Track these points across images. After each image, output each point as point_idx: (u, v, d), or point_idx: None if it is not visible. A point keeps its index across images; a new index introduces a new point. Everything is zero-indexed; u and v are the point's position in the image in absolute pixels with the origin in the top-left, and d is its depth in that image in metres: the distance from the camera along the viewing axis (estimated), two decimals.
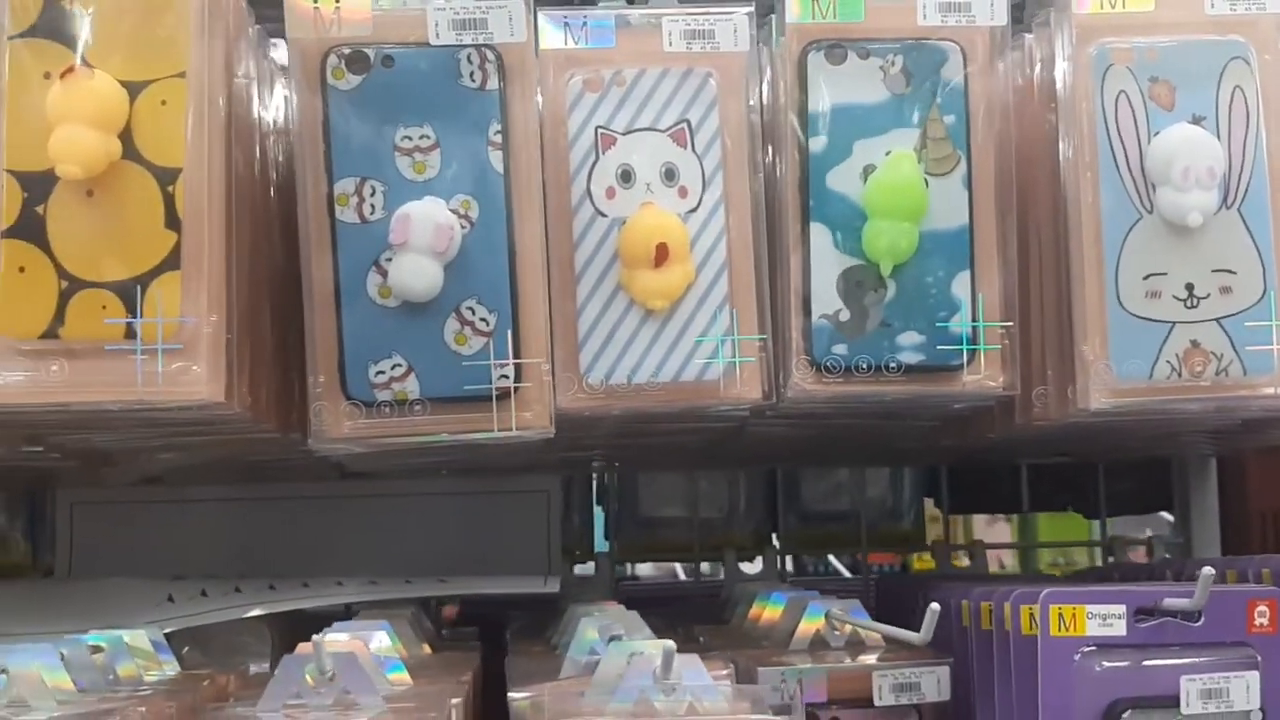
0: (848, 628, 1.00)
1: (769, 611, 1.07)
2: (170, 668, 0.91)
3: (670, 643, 0.77)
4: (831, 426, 1.02)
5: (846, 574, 1.50)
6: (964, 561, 1.34)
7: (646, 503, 1.28)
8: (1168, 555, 1.33)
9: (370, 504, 1.21)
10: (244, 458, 1.01)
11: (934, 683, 0.94)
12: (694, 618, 1.15)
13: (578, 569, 1.28)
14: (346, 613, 1.23)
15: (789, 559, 1.37)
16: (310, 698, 0.77)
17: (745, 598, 1.13)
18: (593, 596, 1.08)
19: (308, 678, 0.77)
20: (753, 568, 1.29)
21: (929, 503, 1.35)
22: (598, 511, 1.29)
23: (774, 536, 1.29)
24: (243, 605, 0.98)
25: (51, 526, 1.20)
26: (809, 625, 0.99)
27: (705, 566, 1.66)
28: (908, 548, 1.31)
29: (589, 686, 0.82)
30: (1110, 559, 1.32)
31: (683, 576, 1.67)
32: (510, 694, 0.84)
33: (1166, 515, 1.52)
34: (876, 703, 0.93)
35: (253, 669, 1.00)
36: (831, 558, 1.55)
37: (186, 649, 1.00)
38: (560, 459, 1.17)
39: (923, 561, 1.65)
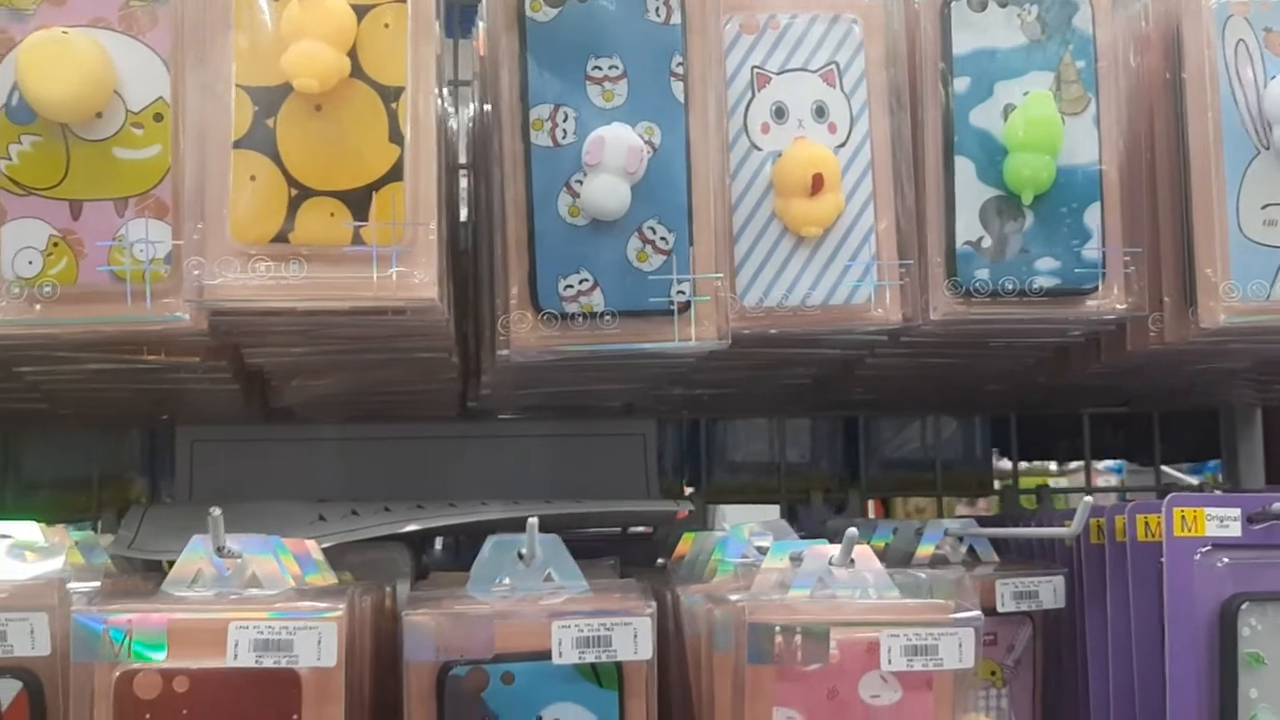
0: (963, 548, 1.08)
1: (873, 545, 1.14)
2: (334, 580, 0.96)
3: (853, 529, 0.83)
4: (938, 361, 1.09)
5: None
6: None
7: (733, 448, 1.34)
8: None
9: (481, 444, 1.26)
10: (388, 383, 1.06)
11: (1050, 591, 1.01)
12: None
13: None
14: (457, 554, 1.28)
15: None
16: (516, 580, 0.82)
17: (841, 534, 1.19)
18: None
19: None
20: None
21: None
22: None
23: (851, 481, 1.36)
24: (395, 522, 1.03)
25: (171, 464, 1.24)
26: (925, 550, 1.06)
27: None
28: (978, 492, 1.39)
29: (753, 585, 0.88)
30: None
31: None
32: (680, 592, 0.90)
33: (1167, 469, 1.60)
34: (999, 609, 1.01)
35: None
36: None
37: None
38: (655, 400, 1.23)
39: None
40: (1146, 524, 0.95)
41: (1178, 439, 1.41)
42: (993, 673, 1.02)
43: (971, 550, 1.06)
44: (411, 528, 1.03)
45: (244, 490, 1.21)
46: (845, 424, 1.36)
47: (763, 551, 0.93)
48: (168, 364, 0.92)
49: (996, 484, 1.41)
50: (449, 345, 0.94)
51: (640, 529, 1.32)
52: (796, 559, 0.88)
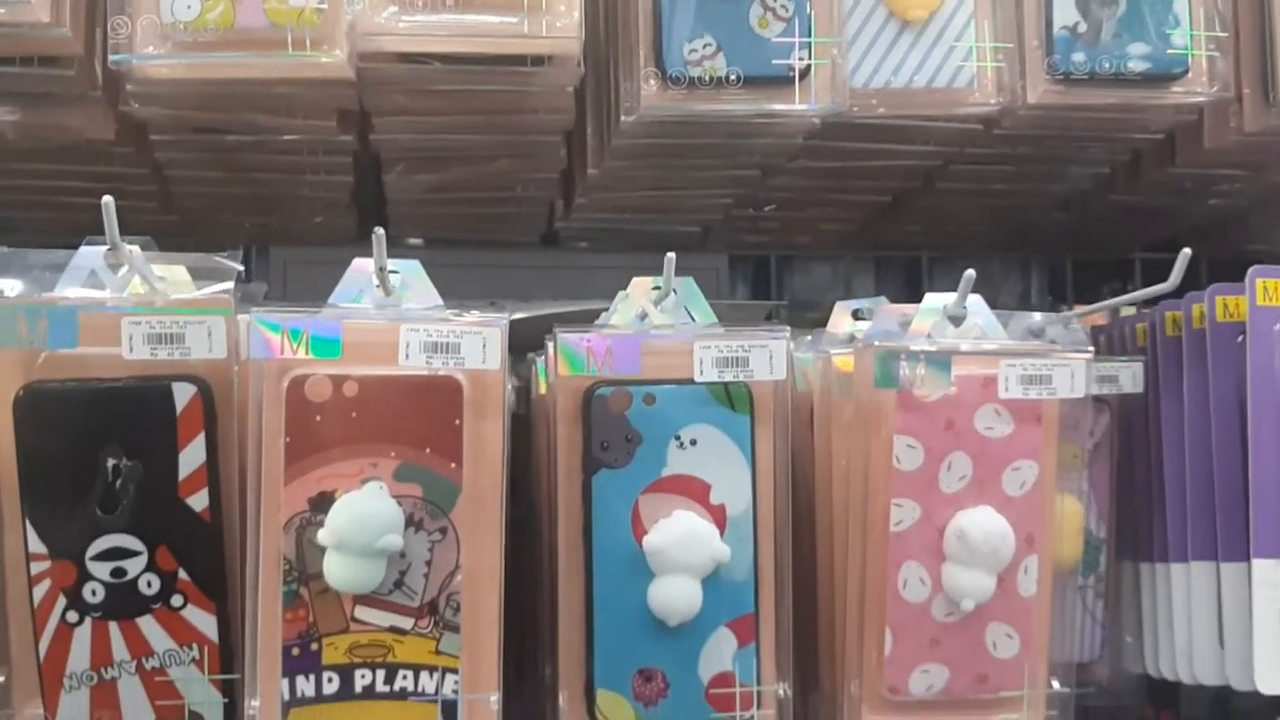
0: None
1: None
2: None
3: (971, 270, 0.88)
4: (1015, 171, 1.14)
5: None
6: None
7: (801, 287, 1.39)
8: None
9: (560, 274, 1.29)
10: (489, 183, 1.10)
11: (1130, 376, 1.06)
12: None
13: None
14: None
15: None
16: (654, 315, 0.87)
17: None
18: None
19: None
20: None
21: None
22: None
23: None
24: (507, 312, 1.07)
25: (264, 283, 1.27)
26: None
27: None
28: None
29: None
30: None
31: None
32: (793, 348, 0.94)
33: None
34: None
35: None
36: None
37: None
38: (729, 228, 1.28)
39: None
40: (1225, 305, 1.01)
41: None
42: (1074, 455, 1.07)
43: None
44: (520, 315, 1.06)
45: None
46: (908, 265, 1.41)
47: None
48: (300, 138, 0.96)
49: None
50: (569, 120, 0.98)
51: None
52: (905, 323, 0.93)
